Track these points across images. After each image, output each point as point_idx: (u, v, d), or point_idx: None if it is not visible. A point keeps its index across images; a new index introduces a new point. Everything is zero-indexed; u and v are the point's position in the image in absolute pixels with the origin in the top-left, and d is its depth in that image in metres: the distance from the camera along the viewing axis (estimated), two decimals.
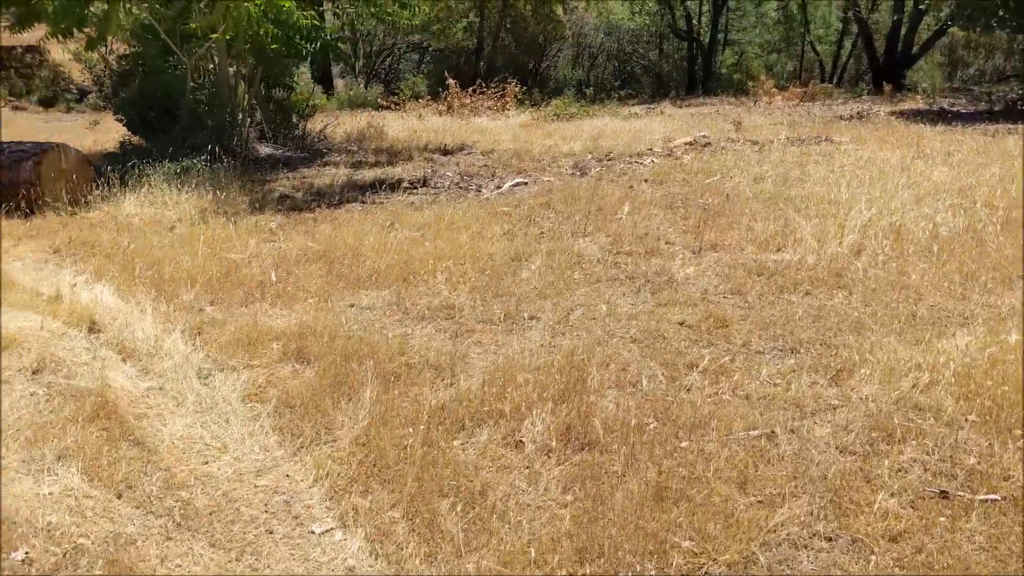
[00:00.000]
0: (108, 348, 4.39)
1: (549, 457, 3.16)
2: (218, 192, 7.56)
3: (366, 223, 6.55)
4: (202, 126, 8.91)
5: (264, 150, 9.78)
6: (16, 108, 26.34)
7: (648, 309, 4.59)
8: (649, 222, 6.35)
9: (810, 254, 5.35)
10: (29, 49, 34.21)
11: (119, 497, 3.07)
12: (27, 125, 15.65)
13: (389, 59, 30.09)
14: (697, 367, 3.82)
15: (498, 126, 13.08)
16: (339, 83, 25.69)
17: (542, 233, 6.18)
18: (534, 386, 3.65)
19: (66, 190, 7.22)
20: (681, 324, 4.34)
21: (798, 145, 9.99)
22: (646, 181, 8.05)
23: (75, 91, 29.39)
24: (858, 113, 14.54)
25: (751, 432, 3.30)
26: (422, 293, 4.95)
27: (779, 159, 8.81)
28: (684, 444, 3.22)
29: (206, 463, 3.31)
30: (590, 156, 9.64)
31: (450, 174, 8.61)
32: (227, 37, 8.04)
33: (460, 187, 8.00)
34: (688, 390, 3.64)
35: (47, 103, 28.04)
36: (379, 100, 18.75)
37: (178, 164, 7.97)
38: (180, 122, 8.82)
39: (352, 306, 4.79)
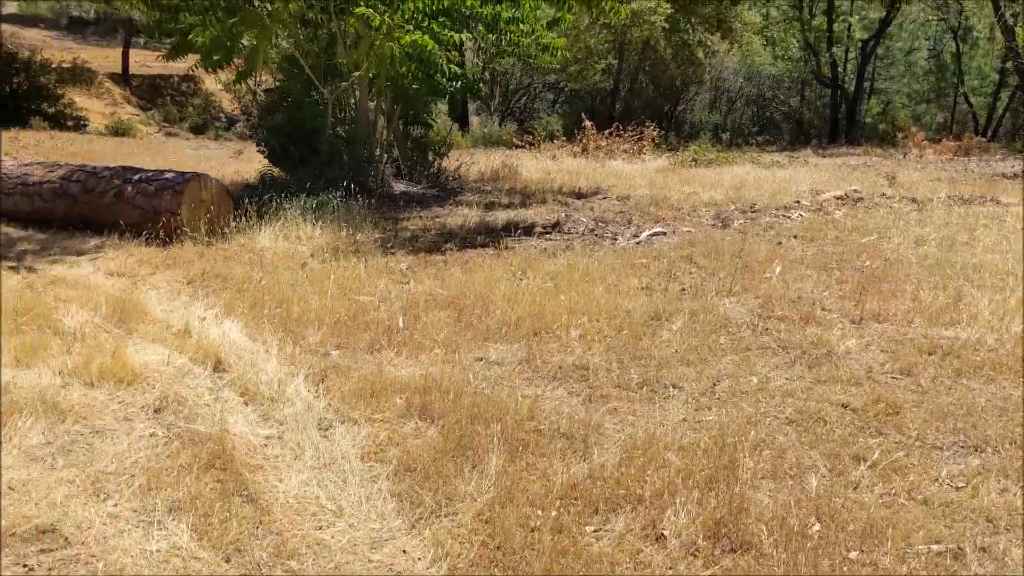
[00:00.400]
0: (231, 389, 4.27)
1: (695, 557, 2.78)
2: (351, 229, 7.51)
3: (497, 269, 6.32)
4: (340, 161, 8.94)
5: (399, 187, 9.76)
6: (169, 134, 27.75)
7: (805, 386, 4.15)
8: (802, 284, 5.87)
9: (989, 333, 4.78)
10: (185, 78, 36.23)
11: (227, 561, 2.87)
12: (177, 151, 16.31)
13: (524, 98, 30.29)
14: (865, 461, 3.36)
15: (634, 170, 12.75)
16: (474, 120, 25.94)
17: (683, 290, 5.80)
18: (677, 469, 3.28)
19: (205, 220, 7.30)
20: (844, 407, 3.88)
21: (961, 205, 9.27)
22: (795, 237, 7.55)
23: (224, 120, 30.82)
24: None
25: (933, 547, 2.83)
26: (554, 350, 4.65)
27: (943, 220, 8.15)
28: (853, 555, 2.78)
29: (320, 528, 3.08)
30: (733, 206, 9.18)
31: (584, 220, 8.32)
32: (370, 75, 8.04)
33: (595, 234, 7.69)
34: (856, 488, 3.19)
35: (197, 130, 29.45)
36: (513, 139, 18.75)
37: (314, 199, 7.98)
38: (319, 156, 8.87)
39: (480, 360, 4.53)
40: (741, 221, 8.35)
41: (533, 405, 3.90)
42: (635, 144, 15.15)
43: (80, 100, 25.08)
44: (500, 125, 26.84)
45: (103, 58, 33.72)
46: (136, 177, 7.51)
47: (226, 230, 7.40)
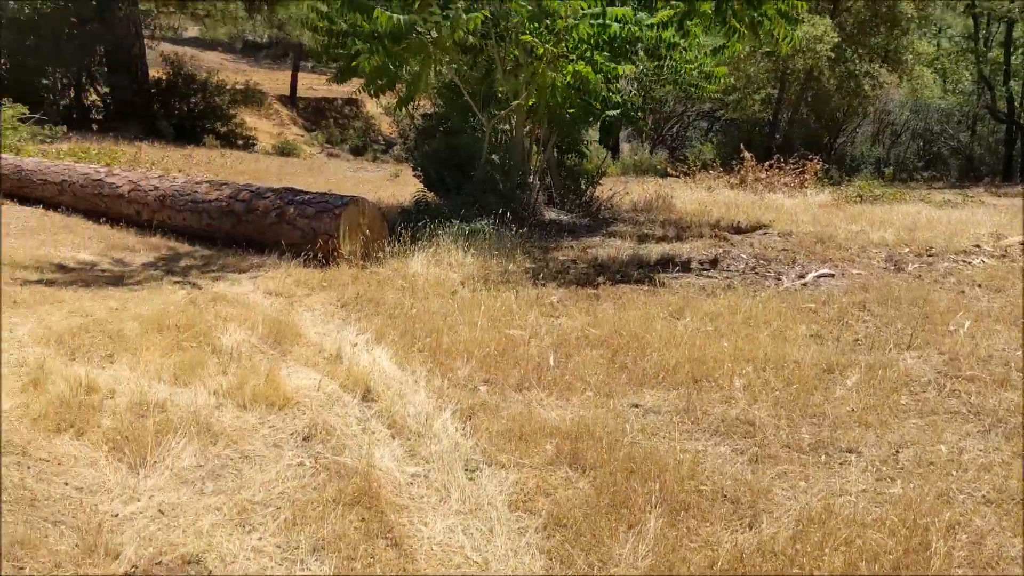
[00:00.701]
0: (379, 420, 4.18)
1: None
2: (502, 257, 7.41)
3: (652, 306, 6.04)
4: (494, 188, 8.89)
5: (550, 215, 9.63)
6: (330, 155, 28.80)
7: (1003, 459, 3.68)
8: (992, 341, 5.32)
9: None
10: (348, 101, 37.63)
11: None
12: (337, 171, 16.81)
13: (677, 126, 29.82)
14: None
15: (795, 205, 12.17)
16: (624, 147, 25.69)
17: (857, 340, 5.36)
18: (860, 549, 2.93)
19: (361, 243, 7.36)
20: None
21: None
22: (979, 286, 6.92)
23: (382, 142, 31.75)
24: None
25: None
26: (716, 400, 4.34)
27: None
28: None
29: None
30: (906, 249, 8.55)
31: (744, 256, 7.93)
32: (529, 103, 7.95)
33: (756, 273, 7.30)
34: None
35: (357, 151, 30.44)
36: (666, 168, 18.37)
37: (467, 225, 7.93)
38: (473, 182, 8.85)
39: (635, 407, 4.28)
40: (916, 265, 7.75)
41: (694, 462, 3.61)
42: (796, 177, 14.51)
43: (250, 120, 26.41)
44: (651, 153, 26.47)
45: (273, 80, 35.48)
46: (297, 199, 7.66)
47: (380, 254, 7.44)
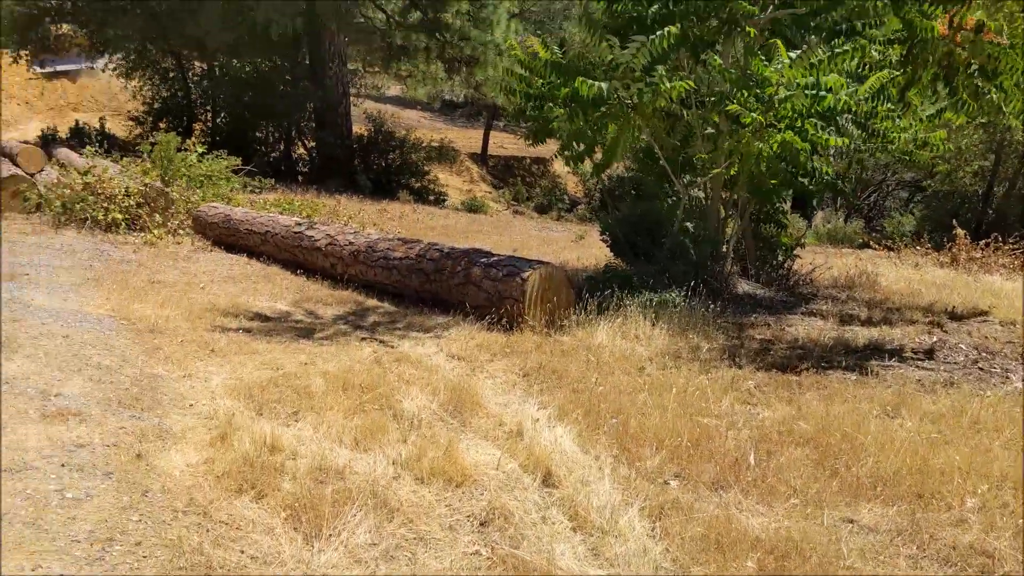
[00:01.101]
0: (559, 509, 3.89)
1: None
2: (693, 333, 7.01)
3: (863, 400, 5.47)
4: (685, 257, 8.52)
5: (743, 287, 9.12)
6: (516, 212, 29.21)
7: None
8: None
9: None
10: (536, 160, 38.27)
11: None
12: (523, 230, 16.90)
13: (875, 195, 28.33)
14: None
15: (1016, 289, 11.04)
16: (817, 214, 24.57)
17: None
18: None
19: (546, 309, 7.17)
20: None
21: None
22: None
23: (567, 201, 31.93)
24: None
25: None
26: (944, 522, 3.77)
27: None
28: None
29: None
30: None
31: (964, 347, 7.15)
32: (731, 172, 7.58)
33: (979, 367, 6.53)
34: None
35: (542, 210, 30.74)
36: (867, 240, 17.32)
37: (656, 295, 7.59)
38: (664, 250, 8.52)
39: (849, 522, 3.77)
40: None
41: None
42: (1017, 258, 13.23)
43: (442, 176, 27.25)
44: (845, 222, 25.18)
45: (466, 138, 36.67)
46: (484, 260, 7.59)
47: (565, 322, 7.22)
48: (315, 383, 5.56)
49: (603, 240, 10.23)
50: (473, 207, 23.35)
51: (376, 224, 14.34)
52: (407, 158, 23.57)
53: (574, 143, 7.34)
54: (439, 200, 23.81)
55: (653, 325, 7.07)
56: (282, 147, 24.58)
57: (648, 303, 7.43)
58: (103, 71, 25.95)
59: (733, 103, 6.94)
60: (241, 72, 23.57)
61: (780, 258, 9.72)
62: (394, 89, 34.75)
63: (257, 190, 16.94)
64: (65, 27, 24.28)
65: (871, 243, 15.97)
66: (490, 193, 32.57)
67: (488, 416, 5.12)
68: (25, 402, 4.77)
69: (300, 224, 10.04)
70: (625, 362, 6.24)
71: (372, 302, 8.55)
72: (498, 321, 7.17)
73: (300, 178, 23.44)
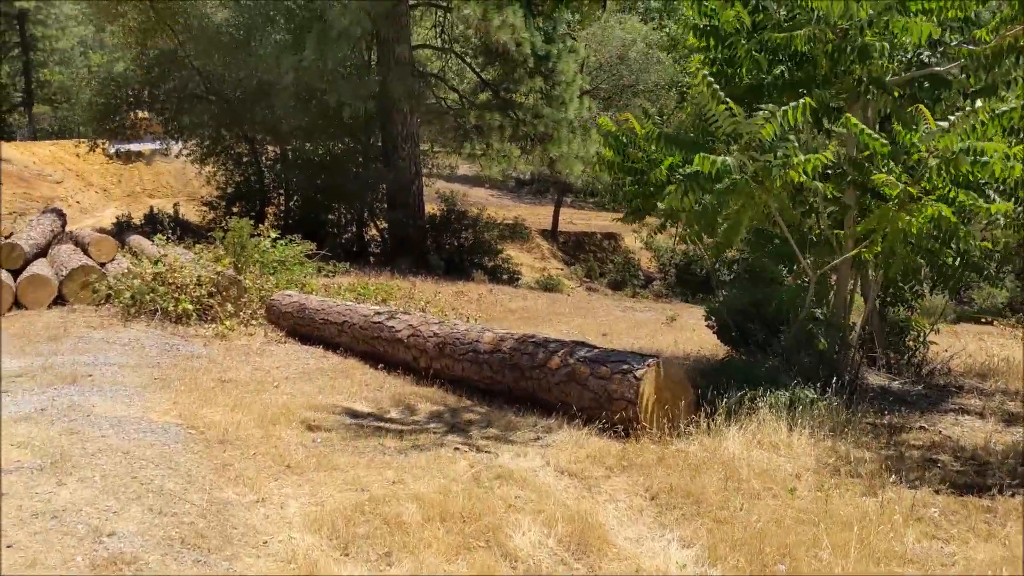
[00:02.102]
0: None
1: None
2: (839, 439, 6.01)
3: None
4: (809, 347, 7.54)
5: (874, 379, 8.08)
6: (589, 289, 28.43)
7: None
8: None
9: None
10: (607, 235, 37.59)
11: None
12: (606, 311, 16.03)
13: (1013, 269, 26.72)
14: None
15: None
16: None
17: None
18: None
19: (663, 413, 6.25)
20: None
21: None
22: None
23: (642, 277, 31.03)
24: None
25: None
26: None
27: None
28: None
29: None
30: None
31: None
32: (876, 251, 6.64)
33: None
34: None
35: (616, 286, 29.89)
36: (954, 311, 15.99)
37: (786, 393, 6.62)
38: (786, 340, 7.56)
39: None
40: None
41: None
42: None
43: (513, 254, 26.66)
44: (931, 293, 23.68)
45: (534, 215, 36.18)
46: (589, 355, 6.74)
47: (687, 426, 6.28)
48: (407, 511, 4.72)
49: (709, 326, 9.31)
50: (548, 286, 22.62)
51: (454, 308, 13.65)
52: (480, 237, 23.04)
53: (694, 223, 6.48)
54: (513, 279, 23.15)
55: (791, 430, 6.09)
56: (354, 228, 24.30)
57: (778, 402, 6.46)
58: (177, 157, 26.18)
59: (882, 172, 6.06)
60: (314, 155, 23.49)
61: (912, 345, 8.64)
62: (462, 168, 34.61)
63: (331, 274, 16.46)
64: (141, 114, 24.63)
65: (982, 319, 14.58)
66: (562, 270, 31.89)
67: (620, 558, 4.20)
68: (74, 544, 4.03)
69: (380, 313, 9.34)
70: (769, 480, 5.27)
71: (461, 400, 7.74)
72: (610, 426, 6.27)
73: (372, 259, 23.04)
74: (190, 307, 11.18)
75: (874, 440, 6.22)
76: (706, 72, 6.39)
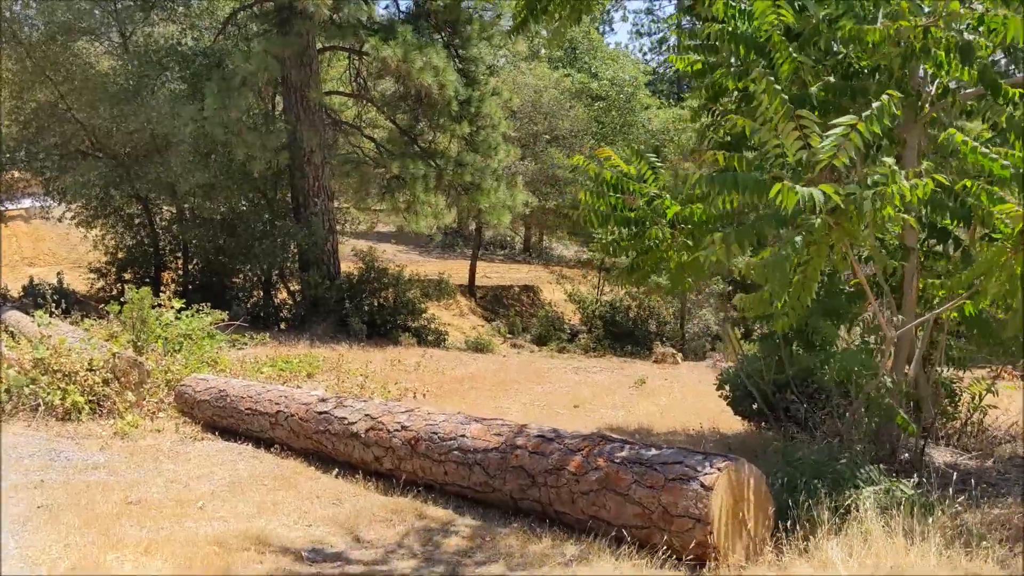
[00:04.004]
0: None
1: None
2: (974, 557, 4.58)
3: None
4: (865, 421, 6.18)
5: (939, 456, 6.76)
6: (514, 345, 26.91)
7: None
8: None
9: None
10: (525, 288, 36.36)
11: None
12: (559, 375, 14.48)
13: None
14: None
15: None
16: None
17: None
18: None
19: (737, 531, 4.72)
20: None
21: None
22: None
23: (567, 331, 29.70)
24: None
25: None
26: None
27: None
28: None
29: None
30: None
31: None
32: (984, 304, 5.33)
33: None
34: None
35: (540, 341, 28.47)
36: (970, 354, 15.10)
37: (872, 490, 5.19)
38: (847, 415, 6.18)
39: None
40: None
41: None
42: None
43: (434, 312, 24.90)
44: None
45: (446, 270, 34.52)
46: (623, 453, 5.17)
47: (768, 549, 4.77)
48: None
49: (720, 394, 7.88)
50: (479, 346, 20.95)
51: (396, 382, 11.88)
52: (401, 296, 21.24)
53: (770, 282, 4.98)
54: (439, 340, 21.41)
55: (908, 544, 4.64)
56: (262, 292, 22.17)
57: (872, 504, 5.01)
58: (60, 220, 23.59)
59: (1005, 202, 4.76)
60: (215, 213, 21.38)
61: (968, 409, 7.36)
62: (363, 225, 32.75)
63: (243, 346, 14.47)
64: (17, 173, 22.11)
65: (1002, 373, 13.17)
66: (482, 326, 30.37)
67: None
68: None
69: (324, 401, 7.57)
70: None
71: (447, 515, 6.04)
72: (670, 555, 4.70)
73: (283, 325, 20.96)
74: (81, 399, 9.14)
75: (1010, 551, 4.82)
76: (771, 78, 4.98)
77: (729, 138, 7.41)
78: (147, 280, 20.78)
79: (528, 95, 32.24)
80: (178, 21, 21.74)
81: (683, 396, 11.52)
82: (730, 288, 20.43)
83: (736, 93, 7.30)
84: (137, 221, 22.80)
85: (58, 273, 21.64)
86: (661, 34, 63.96)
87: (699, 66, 7.70)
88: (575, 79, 36.39)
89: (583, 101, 35.66)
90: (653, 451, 5.14)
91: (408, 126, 20.71)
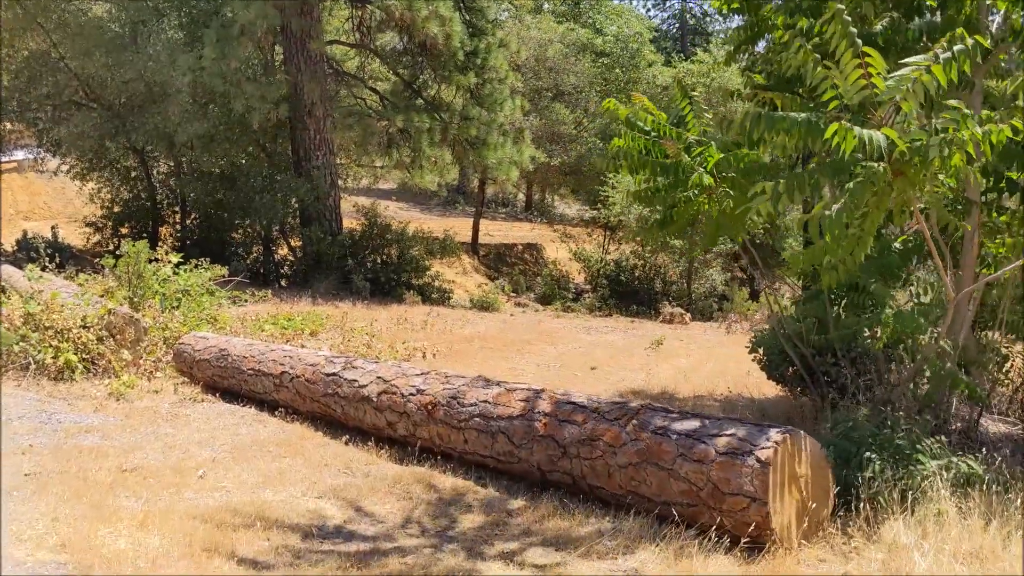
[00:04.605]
0: None
1: None
2: None
3: None
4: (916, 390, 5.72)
5: (991, 425, 6.31)
6: (518, 304, 26.41)
7: None
8: None
9: None
10: (528, 247, 35.81)
11: None
12: (569, 335, 14.01)
13: None
14: None
15: None
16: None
17: None
18: None
19: (793, 508, 4.27)
20: None
21: None
22: None
23: (572, 289, 29.19)
24: None
25: None
26: None
27: None
28: None
29: None
30: None
31: None
32: None
33: None
34: None
35: (544, 300, 27.98)
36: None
37: (934, 464, 4.73)
38: (898, 381, 5.72)
39: None
40: None
41: None
42: None
43: (438, 270, 24.38)
44: None
45: (447, 227, 33.96)
46: (669, 424, 4.71)
47: (840, 529, 4.32)
48: None
49: (754, 358, 7.41)
50: (484, 304, 20.42)
51: (404, 341, 11.42)
52: (406, 253, 20.69)
53: (831, 236, 4.45)
54: (444, 298, 20.92)
55: (985, 527, 4.19)
56: (262, 247, 21.61)
57: (940, 481, 4.56)
58: (55, 174, 22.93)
59: None
60: (214, 167, 20.73)
61: (1012, 377, 6.90)
62: (364, 181, 32.14)
63: (243, 302, 13.98)
64: (9, 125, 21.43)
65: None
66: (486, 284, 29.86)
67: None
68: None
69: (333, 361, 7.10)
70: None
71: (465, 485, 5.60)
72: (721, 535, 4.25)
73: (284, 282, 20.45)
74: (74, 358, 8.68)
75: None
76: (841, 6, 4.44)
77: (772, 81, 6.87)
78: (144, 235, 20.13)
79: (533, 49, 31.44)
80: None
81: (703, 358, 11.07)
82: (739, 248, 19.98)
83: (779, 33, 6.74)
84: (133, 174, 22.17)
85: (52, 227, 21.12)
86: None
87: (736, 3, 7.15)
88: (579, 34, 35.50)
89: (588, 56, 34.85)
90: (697, 421, 4.68)
91: (412, 78, 20.03)
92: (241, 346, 8.20)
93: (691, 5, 61.79)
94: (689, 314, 22.18)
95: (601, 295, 27.75)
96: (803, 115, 4.56)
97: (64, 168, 22.09)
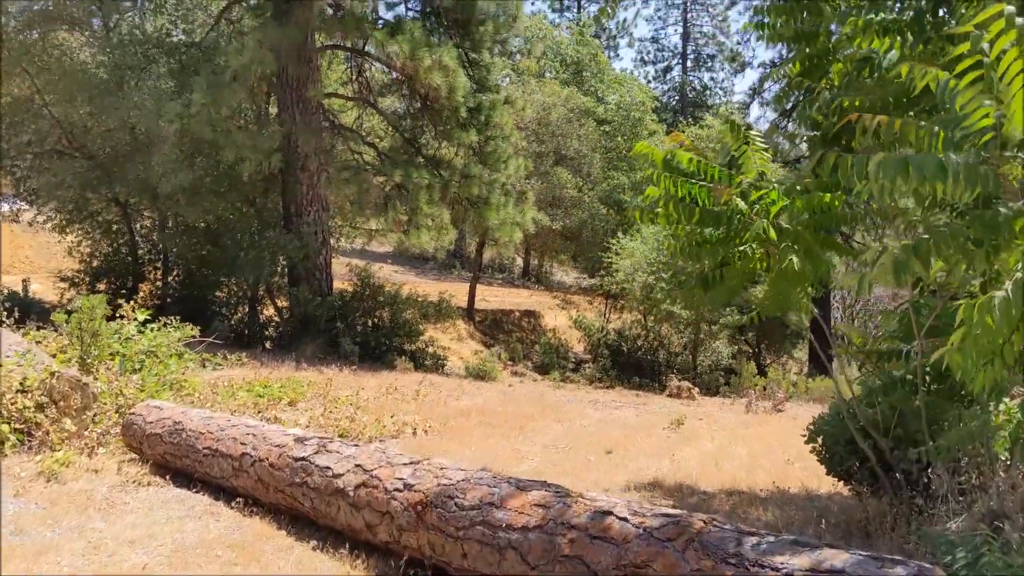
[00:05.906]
0: None
1: None
2: None
3: None
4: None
5: None
6: (515, 373, 25.12)
7: None
8: None
9: None
10: (526, 313, 34.66)
11: None
12: (578, 411, 12.72)
13: None
14: None
15: None
16: None
17: None
18: None
19: None
20: None
21: None
22: None
23: (572, 359, 27.96)
24: None
25: None
26: None
27: None
28: None
29: None
30: None
31: None
32: None
33: None
34: None
35: (542, 369, 26.74)
36: None
37: None
38: (969, 481, 4.51)
39: None
40: None
41: None
42: None
43: (432, 335, 23.16)
44: None
45: (442, 291, 32.87)
46: (748, 552, 3.46)
47: None
48: None
49: (813, 449, 6.17)
50: (480, 373, 19.15)
51: (392, 414, 10.14)
52: (398, 317, 19.49)
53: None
54: (439, 365, 19.66)
55: None
56: (247, 308, 20.40)
57: None
58: (31, 224, 21.82)
59: None
60: (200, 220, 19.62)
61: None
62: (358, 240, 31.13)
63: (217, 366, 12.70)
64: None
65: None
66: (482, 351, 28.60)
67: None
68: None
69: (303, 442, 5.83)
70: None
71: None
72: None
73: (269, 344, 19.21)
74: (6, 428, 7.42)
75: None
76: (1011, 8, 3.34)
77: (835, 119, 5.78)
78: (123, 291, 19.00)
79: (536, 111, 30.76)
80: (168, 12, 20.08)
81: (729, 440, 9.82)
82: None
83: (849, 66, 5.69)
84: (115, 227, 21.08)
85: (24, 280, 19.92)
86: (666, 63, 63.14)
87: (790, 32, 6.12)
88: (582, 100, 34.93)
89: (590, 122, 34.21)
90: (788, 553, 3.43)
91: (412, 135, 19.10)
92: (198, 419, 6.93)
93: (691, 78, 61.97)
94: (697, 388, 20.93)
95: (602, 365, 26.49)
96: (931, 155, 3.41)
97: (41, 219, 21.00)
